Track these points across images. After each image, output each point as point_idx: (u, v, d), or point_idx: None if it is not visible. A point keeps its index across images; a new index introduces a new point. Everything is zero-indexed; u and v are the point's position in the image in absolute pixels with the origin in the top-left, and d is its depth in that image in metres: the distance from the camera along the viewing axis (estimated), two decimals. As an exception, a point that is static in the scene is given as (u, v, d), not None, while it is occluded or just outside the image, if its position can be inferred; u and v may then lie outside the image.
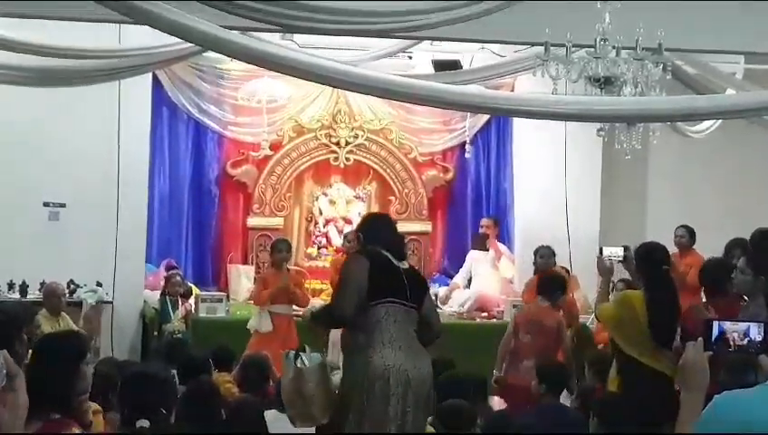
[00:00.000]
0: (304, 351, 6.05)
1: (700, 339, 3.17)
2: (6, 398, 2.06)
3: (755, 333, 3.23)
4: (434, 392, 6.17)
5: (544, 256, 10.34)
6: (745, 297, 6.62)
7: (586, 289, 11.06)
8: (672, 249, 9.42)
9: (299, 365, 5.94)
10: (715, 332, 3.25)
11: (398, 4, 7.13)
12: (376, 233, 6.19)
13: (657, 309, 6.69)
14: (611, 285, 8.05)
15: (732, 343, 3.23)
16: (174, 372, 5.83)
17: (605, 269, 7.76)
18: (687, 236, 10.22)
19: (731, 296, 6.82)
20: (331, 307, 6.22)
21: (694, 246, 10.21)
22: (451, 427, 5.95)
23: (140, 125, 11.40)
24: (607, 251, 7.82)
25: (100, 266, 10.80)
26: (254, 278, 11.71)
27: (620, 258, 7.72)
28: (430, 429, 6.17)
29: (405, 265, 6.15)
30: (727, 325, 3.28)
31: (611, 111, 7.95)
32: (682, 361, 3.13)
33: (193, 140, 12.71)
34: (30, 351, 4.91)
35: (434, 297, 12.22)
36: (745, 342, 3.24)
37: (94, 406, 4.89)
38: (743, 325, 3.29)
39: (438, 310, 11.99)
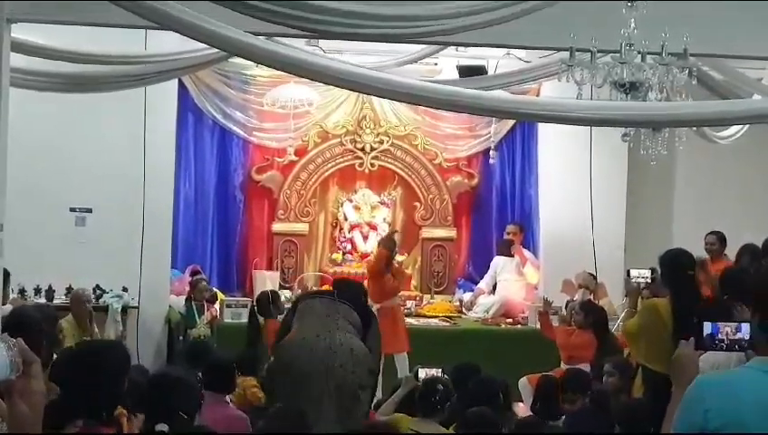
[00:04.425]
0: None
1: (692, 338, 3.29)
2: (24, 385, 2.06)
3: (746, 330, 3.42)
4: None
5: None
6: None
7: (611, 295, 11.03)
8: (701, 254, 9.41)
9: None
10: (707, 331, 3.45)
11: (426, 8, 7.12)
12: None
13: (683, 315, 6.66)
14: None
15: (725, 336, 3.42)
16: (199, 375, 5.83)
17: (632, 290, 7.83)
18: (718, 244, 10.08)
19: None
20: None
21: (725, 252, 10.08)
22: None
23: (166, 131, 11.46)
24: (635, 273, 7.89)
25: (125, 272, 10.86)
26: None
27: (648, 280, 7.78)
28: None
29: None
30: (720, 324, 3.48)
31: (637, 116, 7.91)
32: (674, 357, 3.23)
33: (218, 146, 12.75)
34: (53, 355, 4.93)
35: (458, 303, 12.45)
36: (737, 336, 3.43)
37: (120, 410, 4.90)
38: (734, 324, 3.50)
39: (463, 316, 12.17)
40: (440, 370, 7.09)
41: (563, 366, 9.15)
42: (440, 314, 12.11)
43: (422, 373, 6.95)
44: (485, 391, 6.70)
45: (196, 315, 10.70)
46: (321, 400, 6.09)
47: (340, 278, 8.76)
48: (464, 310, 12.45)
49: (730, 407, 2.72)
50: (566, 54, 7.93)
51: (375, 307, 10.46)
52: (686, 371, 3.22)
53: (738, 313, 6.26)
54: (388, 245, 11.01)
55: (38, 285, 10.79)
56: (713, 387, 2.81)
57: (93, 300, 10.62)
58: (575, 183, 12.13)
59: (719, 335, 3.38)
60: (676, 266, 7.03)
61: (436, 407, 6.31)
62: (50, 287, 10.76)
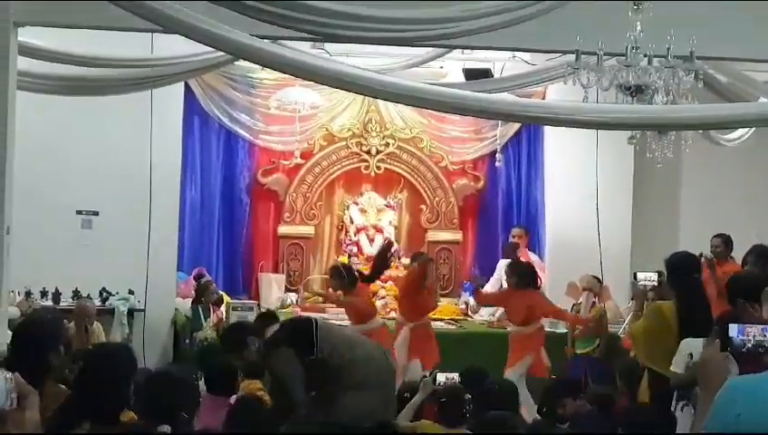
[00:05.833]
0: None
1: (717, 340, 3.28)
2: (18, 417, 2.09)
3: None
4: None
5: None
6: None
7: (617, 298, 11.01)
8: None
9: None
10: (732, 333, 3.43)
11: (432, 12, 7.13)
12: None
13: (688, 317, 6.66)
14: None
15: (751, 337, 3.40)
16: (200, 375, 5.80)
17: (639, 293, 7.83)
18: (723, 246, 10.03)
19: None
20: None
21: (731, 255, 10.02)
22: None
23: (172, 134, 11.47)
24: (641, 276, 7.89)
25: (132, 274, 10.87)
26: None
27: (654, 283, 7.78)
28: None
29: None
30: (746, 326, 3.48)
31: (643, 118, 7.90)
32: (700, 362, 3.21)
33: (224, 149, 12.75)
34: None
35: (464, 306, 12.43)
36: (764, 336, 3.42)
37: (130, 414, 4.91)
38: (760, 326, 3.49)
39: (469, 319, 12.16)
40: (457, 374, 7.06)
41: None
42: (446, 317, 12.09)
43: (441, 377, 6.91)
44: (501, 393, 6.67)
45: (203, 318, 10.69)
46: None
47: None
48: (469, 313, 12.43)
49: (761, 410, 2.70)
50: (572, 57, 7.92)
51: (409, 325, 10.38)
52: (714, 375, 3.18)
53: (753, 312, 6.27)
54: (423, 261, 10.88)
55: (44, 288, 10.80)
56: (745, 390, 2.79)
57: (99, 303, 10.66)
58: (581, 186, 12.11)
59: (745, 336, 3.36)
60: (680, 270, 7.03)
61: (464, 416, 6.29)
62: (56, 290, 10.77)
